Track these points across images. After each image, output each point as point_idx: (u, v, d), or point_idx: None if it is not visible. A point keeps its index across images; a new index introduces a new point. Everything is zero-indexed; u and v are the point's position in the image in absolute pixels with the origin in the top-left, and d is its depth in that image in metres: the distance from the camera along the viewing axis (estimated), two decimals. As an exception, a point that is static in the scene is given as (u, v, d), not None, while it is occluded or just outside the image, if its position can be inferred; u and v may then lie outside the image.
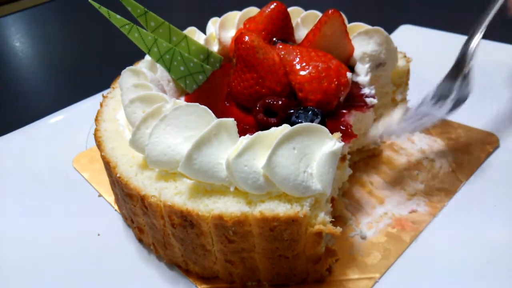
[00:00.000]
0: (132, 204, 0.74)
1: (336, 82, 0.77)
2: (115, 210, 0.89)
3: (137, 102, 0.75)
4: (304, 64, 0.78)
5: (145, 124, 0.70)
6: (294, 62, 0.79)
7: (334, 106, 0.79)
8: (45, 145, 1.10)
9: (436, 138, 1.01)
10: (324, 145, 0.64)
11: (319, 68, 0.77)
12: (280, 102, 0.75)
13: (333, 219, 0.66)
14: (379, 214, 0.83)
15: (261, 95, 0.78)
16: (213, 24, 1.03)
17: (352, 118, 0.82)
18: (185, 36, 0.90)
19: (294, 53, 0.80)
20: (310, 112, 0.74)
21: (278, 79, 0.78)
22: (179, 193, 0.67)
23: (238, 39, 0.77)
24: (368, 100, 0.86)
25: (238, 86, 0.80)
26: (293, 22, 0.96)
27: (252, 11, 0.99)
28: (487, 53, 1.34)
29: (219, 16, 1.01)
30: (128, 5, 0.84)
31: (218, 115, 0.70)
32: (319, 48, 0.84)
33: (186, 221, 0.66)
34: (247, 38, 0.76)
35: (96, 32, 1.88)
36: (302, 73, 0.78)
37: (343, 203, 0.84)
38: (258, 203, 0.64)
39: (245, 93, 0.79)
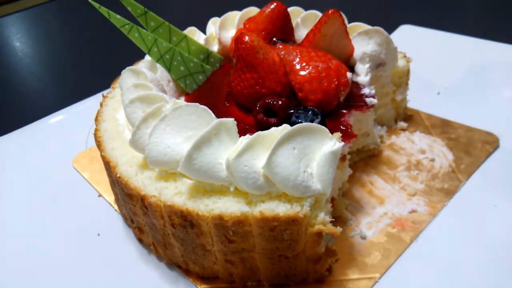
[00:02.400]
0: (132, 204, 0.74)
1: (336, 82, 0.77)
2: (115, 210, 0.89)
3: (137, 102, 0.75)
4: (304, 64, 0.78)
5: (145, 124, 0.70)
6: (294, 62, 0.79)
7: (334, 106, 0.79)
8: (45, 145, 1.10)
9: (436, 138, 1.01)
10: (324, 145, 0.64)
11: (319, 68, 0.77)
12: (280, 102, 0.75)
13: (333, 219, 0.66)
14: (379, 214, 0.83)
15: (261, 95, 0.78)
16: (213, 24, 1.03)
17: (352, 118, 0.82)
18: (185, 36, 0.91)
19: (294, 53, 0.80)
20: (310, 112, 0.74)
21: (278, 79, 0.78)
22: (179, 193, 0.67)
23: (238, 39, 0.77)
24: (368, 100, 0.86)
25: (238, 86, 0.80)
26: (293, 22, 0.96)
27: (252, 11, 0.99)
28: (487, 53, 1.35)
29: (219, 16, 1.01)
30: (128, 5, 0.84)
31: (218, 115, 0.70)
32: (319, 48, 0.84)
33: (186, 221, 0.66)
34: (247, 38, 0.76)
35: (96, 32, 1.88)
36: (302, 73, 0.78)
37: (343, 203, 0.84)
38: (258, 203, 0.64)
39: (245, 93, 0.79)
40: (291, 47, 0.81)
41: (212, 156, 0.64)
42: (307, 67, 0.78)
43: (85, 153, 1.05)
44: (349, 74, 0.81)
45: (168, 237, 0.71)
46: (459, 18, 1.68)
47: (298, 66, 0.78)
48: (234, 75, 0.81)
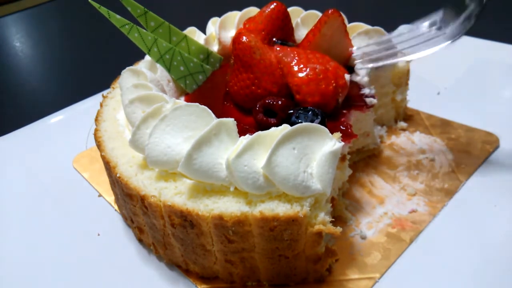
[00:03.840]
0: (132, 204, 0.74)
1: (334, 84, 0.77)
2: (115, 210, 0.89)
3: (137, 102, 0.75)
4: (301, 66, 0.78)
5: (145, 124, 0.70)
6: (292, 64, 0.79)
7: (332, 108, 0.79)
8: (45, 145, 1.10)
9: (436, 138, 1.01)
10: (324, 145, 0.64)
11: (317, 70, 0.77)
12: (280, 102, 0.75)
13: (333, 219, 0.66)
14: (379, 214, 0.83)
15: (257, 96, 0.78)
16: (213, 24, 1.03)
17: (352, 118, 0.82)
18: (185, 36, 0.91)
19: (292, 55, 0.80)
20: (310, 112, 0.74)
21: (275, 79, 0.78)
22: (179, 193, 0.67)
23: (235, 39, 0.78)
24: (368, 100, 0.86)
25: (235, 86, 0.80)
26: (293, 22, 0.96)
27: (252, 11, 0.99)
28: (487, 53, 1.35)
29: (219, 16, 1.01)
30: (128, 5, 0.84)
31: (218, 115, 0.70)
32: (319, 48, 0.84)
33: (186, 221, 0.66)
34: (244, 38, 0.77)
35: (96, 32, 1.88)
36: (300, 75, 0.77)
37: (343, 203, 0.84)
38: (258, 203, 0.64)
39: (242, 93, 0.80)
40: (288, 48, 0.81)
41: (212, 156, 0.64)
42: (304, 69, 0.78)
43: (85, 153, 1.05)
44: (347, 76, 0.81)
45: (168, 237, 0.71)
46: (459, 18, 1.67)
47: (295, 68, 0.78)
48: (231, 75, 0.81)
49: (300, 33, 0.97)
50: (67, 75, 1.58)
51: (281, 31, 0.91)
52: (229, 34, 0.99)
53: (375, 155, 0.98)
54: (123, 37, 0.83)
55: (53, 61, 1.71)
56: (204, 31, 1.03)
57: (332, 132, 0.67)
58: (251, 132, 0.69)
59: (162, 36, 0.88)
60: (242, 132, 0.73)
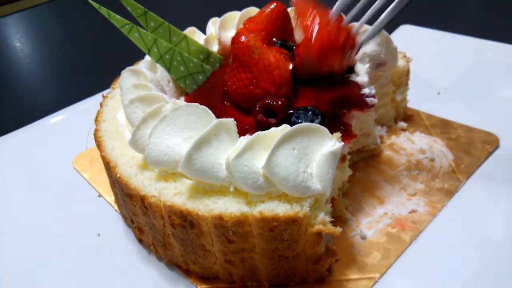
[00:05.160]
0: (132, 204, 0.74)
1: (343, 40, 0.79)
2: (115, 210, 0.89)
3: (137, 102, 0.75)
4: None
5: (145, 124, 0.70)
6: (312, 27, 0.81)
7: (341, 64, 0.82)
8: (45, 145, 1.10)
9: (436, 138, 1.01)
10: (324, 145, 0.64)
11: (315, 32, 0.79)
12: (280, 103, 0.75)
13: (333, 219, 0.66)
14: (379, 214, 0.83)
15: (255, 95, 0.78)
16: (213, 24, 1.03)
17: (352, 118, 0.82)
18: (185, 36, 0.91)
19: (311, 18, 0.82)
20: (310, 113, 0.74)
21: (273, 79, 0.78)
22: (179, 193, 0.67)
23: (234, 38, 0.78)
24: (368, 100, 0.85)
25: (233, 85, 0.80)
26: (293, 22, 0.96)
27: (252, 11, 0.99)
28: (487, 53, 1.35)
29: (219, 16, 1.01)
30: (128, 5, 0.84)
31: (218, 115, 0.70)
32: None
33: (186, 221, 0.66)
34: (243, 38, 0.77)
35: (96, 32, 1.88)
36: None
37: (343, 203, 0.84)
38: (258, 203, 0.64)
39: (240, 92, 0.80)
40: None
41: (212, 156, 0.64)
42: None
43: (85, 153, 1.05)
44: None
45: (168, 237, 0.71)
46: (459, 18, 1.68)
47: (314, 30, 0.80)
48: (229, 74, 0.81)
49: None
50: (67, 75, 1.58)
51: (281, 31, 0.91)
52: (229, 34, 0.99)
53: (375, 155, 0.98)
54: (123, 37, 0.83)
55: (53, 61, 1.71)
56: (204, 31, 1.03)
57: (332, 132, 0.67)
58: (251, 132, 0.69)
59: (162, 36, 0.88)
60: (242, 132, 0.73)
